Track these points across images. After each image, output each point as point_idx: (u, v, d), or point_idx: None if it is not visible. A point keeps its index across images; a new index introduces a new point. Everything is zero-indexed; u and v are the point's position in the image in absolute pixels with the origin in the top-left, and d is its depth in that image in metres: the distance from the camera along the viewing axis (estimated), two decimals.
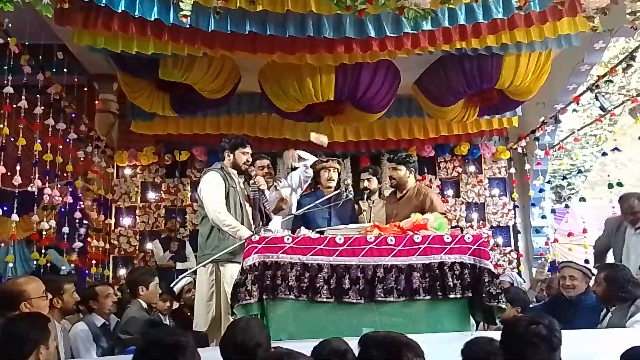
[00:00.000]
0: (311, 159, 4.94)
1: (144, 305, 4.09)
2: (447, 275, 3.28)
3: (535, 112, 7.70)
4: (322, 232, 3.70)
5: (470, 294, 3.30)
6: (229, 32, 4.49)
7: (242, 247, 3.91)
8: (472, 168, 9.05)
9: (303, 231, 3.48)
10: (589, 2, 3.49)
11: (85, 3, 4.09)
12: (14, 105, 5.08)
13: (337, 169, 4.93)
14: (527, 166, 8.34)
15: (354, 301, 3.23)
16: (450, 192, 9.04)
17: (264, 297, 3.30)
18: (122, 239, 8.33)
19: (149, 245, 8.19)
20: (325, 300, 3.24)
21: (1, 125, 4.91)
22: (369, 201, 5.03)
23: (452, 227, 7.67)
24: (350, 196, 4.29)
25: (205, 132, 7.63)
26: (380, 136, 7.93)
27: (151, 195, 8.56)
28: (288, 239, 3.36)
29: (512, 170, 8.71)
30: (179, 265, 7.45)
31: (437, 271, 3.30)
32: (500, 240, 8.84)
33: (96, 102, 7.96)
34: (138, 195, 8.54)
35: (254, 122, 7.60)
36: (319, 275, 3.25)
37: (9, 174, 5.18)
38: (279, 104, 6.37)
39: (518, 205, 8.92)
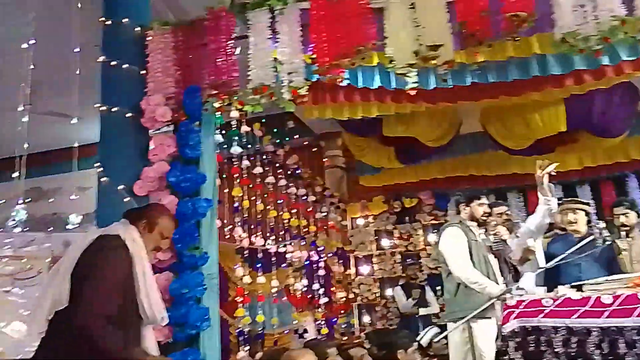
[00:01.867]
0: (553, 200, 4.63)
1: None
2: None
3: None
4: (579, 287, 3.44)
5: None
6: (451, 86, 4.50)
7: (493, 304, 3.83)
8: None
9: (561, 290, 3.27)
10: None
11: (314, 83, 4.43)
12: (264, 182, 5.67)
13: (585, 212, 4.54)
14: None
15: None
16: None
17: None
18: (362, 287, 8.66)
19: (389, 292, 8.39)
20: None
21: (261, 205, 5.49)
22: (628, 239, 4.55)
23: None
24: (608, 241, 3.92)
25: (431, 177, 7.67)
26: (622, 158, 7.17)
27: (385, 243, 8.82)
28: (547, 301, 3.18)
29: None
30: (422, 311, 7.48)
31: None
32: None
33: (324, 160, 8.53)
34: (373, 244, 8.86)
35: (480, 161, 7.44)
36: (589, 339, 3.01)
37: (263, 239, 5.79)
38: (505, 142, 6.18)
39: None
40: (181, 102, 3.85)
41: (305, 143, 7.79)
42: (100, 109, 3.92)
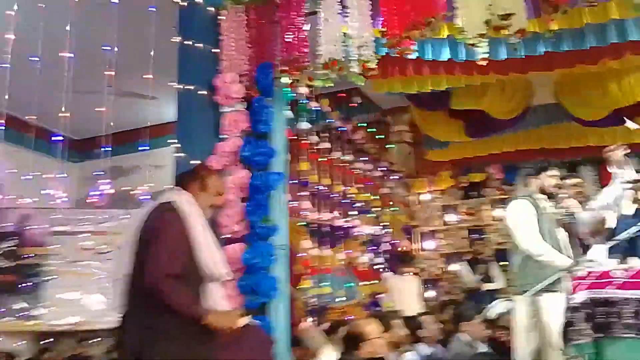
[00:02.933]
0: (629, 171, 4.47)
1: (467, 338, 4.21)
2: None
3: None
4: None
5: None
6: (523, 56, 4.41)
7: (560, 277, 3.78)
8: None
9: (631, 262, 3.20)
10: None
11: (381, 57, 4.45)
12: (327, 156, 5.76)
13: None
14: None
15: None
16: None
17: (598, 336, 3.12)
18: (428, 262, 8.67)
19: (454, 267, 8.36)
20: None
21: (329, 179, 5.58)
22: None
23: None
24: None
25: (501, 150, 7.53)
26: None
27: (452, 218, 8.77)
28: (617, 273, 3.13)
29: None
30: (487, 286, 7.43)
31: None
32: None
33: (391, 134, 8.51)
34: (439, 219, 8.83)
35: (553, 133, 7.20)
36: None
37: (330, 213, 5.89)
38: (580, 113, 6.00)
39: None
40: (253, 79, 3.97)
41: (372, 119, 7.80)
42: (176, 87, 4.08)
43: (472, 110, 6.04)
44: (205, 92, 4.02)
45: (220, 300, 2.82)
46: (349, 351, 3.55)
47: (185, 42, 4.08)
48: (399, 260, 7.50)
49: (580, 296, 3.20)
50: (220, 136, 3.99)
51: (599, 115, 5.88)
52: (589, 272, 3.24)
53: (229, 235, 3.80)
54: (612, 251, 3.87)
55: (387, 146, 7.93)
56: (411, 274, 7.19)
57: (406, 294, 6.72)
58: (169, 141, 4.09)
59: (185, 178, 2.94)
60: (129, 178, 7.44)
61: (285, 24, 3.78)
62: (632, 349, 3.05)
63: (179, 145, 3.95)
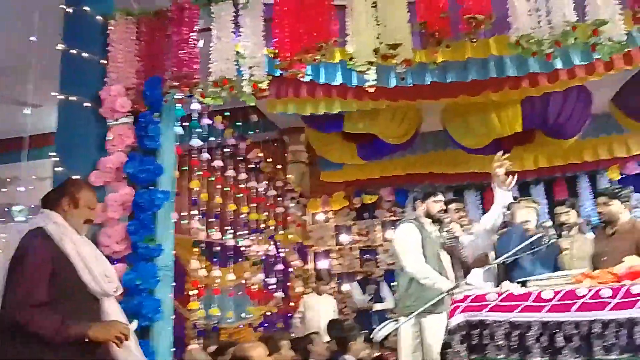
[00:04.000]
0: (508, 195, 4.73)
1: (353, 359, 4.26)
2: None
3: None
4: (524, 283, 3.56)
5: None
6: (411, 85, 4.58)
7: (443, 299, 3.92)
8: None
9: (506, 286, 3.38)
10: None
11: (276, 78, 4.46)
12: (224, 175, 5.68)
13: (536, 209, 4.70)
14: None
15: None
16: None
17: (473, 357, 3.25)
18: (298, 288, 8.70)
19: (346, 287, 8.48)
20: (538, 359, 3.09)
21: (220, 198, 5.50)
22: (569, 237, 4.74)
23: None
24: (554, 240, 4.07)
25: (392, 173, 7.77)
26: (575, 159, 7.40)
27: (345, 238, 8.91)
28: (492, 296, 3.29)
29: None
30: (377, 307, 7.59)
31: None
32: None
33: (287, 154, 8.54)
34: (333, 239, 8.94)
35: (440, 159, 7.55)
36: (529, 333, 3.12)
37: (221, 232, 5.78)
38: (464, 141, 6.30)
39: None
40: (141, 93, 3.85)
41: (268, 137, 7.80)
42: (58, 97, 3.87)
43: (364, 133, 6.18)
44: (89, 104, 3.84)
45: (116, 314, 2.78)
46: None
47: (70, 51, 3.89)
48: (317, 279, 7.46)
49: (457, 319, 3.32)
50: (105, 150, 3.82)
51: (481, 143, 6.21)
52: (466, 296, 3.38)
53: (110, 255, 3.62)
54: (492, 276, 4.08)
55: (282, 166, 7.96)
56: (328, 293, 7.20)
57: (322, 314, 6.69)
58: (50, 153, 3.85)
59: (54, 196, 2.83)
60: (5, 190, 6.93)
61: (177, 39, 3.70)
62: None
63: (57, 158, 3.73)
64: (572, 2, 3.20)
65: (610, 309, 3.05)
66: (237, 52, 3.55)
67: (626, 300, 3.05)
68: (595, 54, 3.86)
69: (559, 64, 4.42)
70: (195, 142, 4.84)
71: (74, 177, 3.33)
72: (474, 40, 3.44)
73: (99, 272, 2.69)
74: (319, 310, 6.68)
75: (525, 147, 6.62)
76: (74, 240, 2.66)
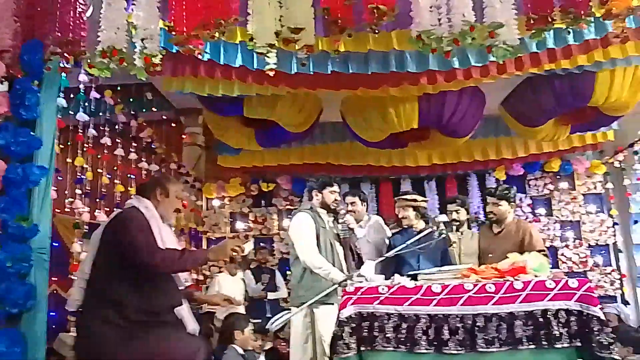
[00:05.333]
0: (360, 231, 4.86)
1: (240, 350, 4.14)
2: (552, 324, 3.09)
3: (634, 124, 7.22)
4: (414, 276, 3.62)
5: (579, 343, 3.10)
6: (312, 72, 4.52)
7: (336, 290, 3.91)
8: (564, 184, 8.64)
9: (397, 279, 3.41)
10: None
11: (173, 54, 4.23)
12: (113, 153, 5.34)
13: (413, 207, 4.82)
14: (627, 181, 7.86)
15: (454, 352, 3.11)
16: (542, 210, 8.66)
17: (362, 348, 3.25)
18: (213, 269, 8.52)
19: (240, 275, 8.32)
20: (424, 351, 3.14)
21: (106, 174, 5.18)
22: (458, 233, 4.90)
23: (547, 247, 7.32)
24: (444, 235, 4.17)
25: (290, 162, 7.72)
26: (466, 158, 7.72)
27: (240, 225, 8.76)
28: (383, 288, 3.30)
29: (610, 185, 8.24)
30: (271, 296, 7.50)
31: (540, 319, 3.12)
32: (599, 259, 8.36)
33: (183, 136, 8.23)
34: (227, 226, 8.76)
35: (338, 150, 7.60)
36: (417, 325, 3.17)
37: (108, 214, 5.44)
38: (362, 133, 6.35)
39: (617, 223, 8.41)
40: (18, 57, 3.47)
41: (164, 117, 7.45)
42: None
43: (264, 119, 6.07)
44: None
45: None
46: None
47: None
48: (230, 260, 7.21)
49: (348, 310, 3.31)
50: None
51: (378, 137, 6.29)
52: (357, 288, 3.37)
53: None
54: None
55: (176, 148, 7.65)
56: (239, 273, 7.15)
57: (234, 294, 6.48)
58: None
59: (148, 186, 3.17)
60: None
61: (62, 1, 3.38)
62: None
63: None
64: (471, 3, 3.26)
65: (494, 304, 3.17)
66: (129, 22, 3.30)
67: (508, 295, 3.18)
68: (490, 56, 4.00)
69: (456, 64, 4.56)
70: (81, 116, 4.49)
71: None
72: (377, 31, 3.41)
73: None
74: (229, 291, 6.52)
75: (420, 143, 6.78)
76: (159, 225, 3.01)
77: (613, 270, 8.30)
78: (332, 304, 4.06)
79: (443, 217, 4.31)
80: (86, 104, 4.80)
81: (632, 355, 4.20)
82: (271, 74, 3.35)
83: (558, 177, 8.66)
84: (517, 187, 8.52)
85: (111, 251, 2.90)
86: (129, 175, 5.84)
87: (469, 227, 5.29)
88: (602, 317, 3.08)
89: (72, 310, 3.06)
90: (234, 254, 3.04)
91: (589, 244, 8.43)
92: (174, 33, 3.24)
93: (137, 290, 2.85)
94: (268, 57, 3.27)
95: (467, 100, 5.83)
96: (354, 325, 3.26)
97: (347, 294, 3.36)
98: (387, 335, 3.20)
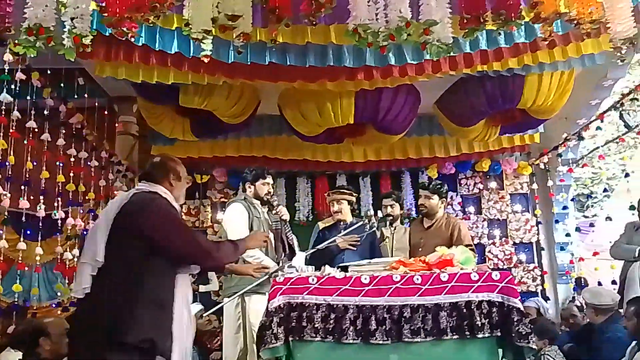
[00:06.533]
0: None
1: None
2: (475, 314, 3.20)
3: (558, 128, 7.57)
4: (345, 268, 3.66)
5: (499, 333, 3.22)
6: (249, 63, 4.49)
7: (268, 279, 3.91)
8: (493, 184, 8.92)
9: (327, 270, 3.44)
10: (615, 32, 3.41)
11: (106, 37, 4.10)
12: (39, 138, 5.12)
13: (348, 201, 4.89)
14: (550, 182, 8.21)
15: (381, 342, 3.16)
16: (471, 208, 8.91)
17: (290, 339, 3.26)
18: None
19: None
20: (351, 341, 3.18)
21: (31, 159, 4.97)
22: (391, 227, 4.99)
23: (475, 244, 7.55)
24: (374, 228, 4.24)
25: (225, 154, 7.63)
26: (400, 155, 7.85)
27: None
28: (313, 279, 3.32)
29: (535, 186, 8.59)
30: (202, 288, 7.38)
31: (464, 310, 3.22)
32: (523, 257, 8.70)
33: (116, 125, 7.98)
34: None
35: (274, 144, 7.56)
36: (345, 316, 3.21)
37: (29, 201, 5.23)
38: (299, 127, 6.35)
39: (541, 222, 8.79)
40: None
41: (96, 104, 7.19)
42: None
43: (200, 109, 5.98)
44: None
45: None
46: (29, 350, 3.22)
47: None
48: None
49: (277, 301, 3.31)
50: None
51: (315, 131, 6.31)
52: (287, 279, 3.38)
53: None
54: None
55: (108, 136, 7.39)
56: None
57: None
58: None
59: (158, 172, 3.00)
60: None
61: None
62: (319, 351, 3.26)
63: None
64: (408, 0, 3.32)
65: (420, 295, 3.24)
66: (59, 1, 3.17)
67: (435, 287, 3.27)
68: (425, 53, 4.09)
69: (392, 60, 4.64)
70: (5, 96, 4.29)
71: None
72: (315, 23, 3.43)
73: None
74: None
75: (356, 139, 6.86)
76: (176, 207, 2.96)
77: (535, 267, 8.64)
78: (264, 293, 4.04)
79: (371, 212, 4.39)
80: (12, 85, 4.58)
81: (548, 346, 4.41)
82: (206, 60, 3.31)
83: (488, 176, 8.93)
84: (449, 186, 8.85)
85: (137, 244, 2.70)
86: (57, 163, 5.62)
87: (402, 223, 5.40)
88: (522, 309, 3.22)
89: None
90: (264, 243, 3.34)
91: (514, 242, 8.74)
92: (106, 14, 3.14)
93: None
94: (204, 43, 3.23)
95: (402, 98, 5.94)
96: (282, 315, 3.27)
97: (276, 284, 3.36)
98: (315, 326, 3.22)
